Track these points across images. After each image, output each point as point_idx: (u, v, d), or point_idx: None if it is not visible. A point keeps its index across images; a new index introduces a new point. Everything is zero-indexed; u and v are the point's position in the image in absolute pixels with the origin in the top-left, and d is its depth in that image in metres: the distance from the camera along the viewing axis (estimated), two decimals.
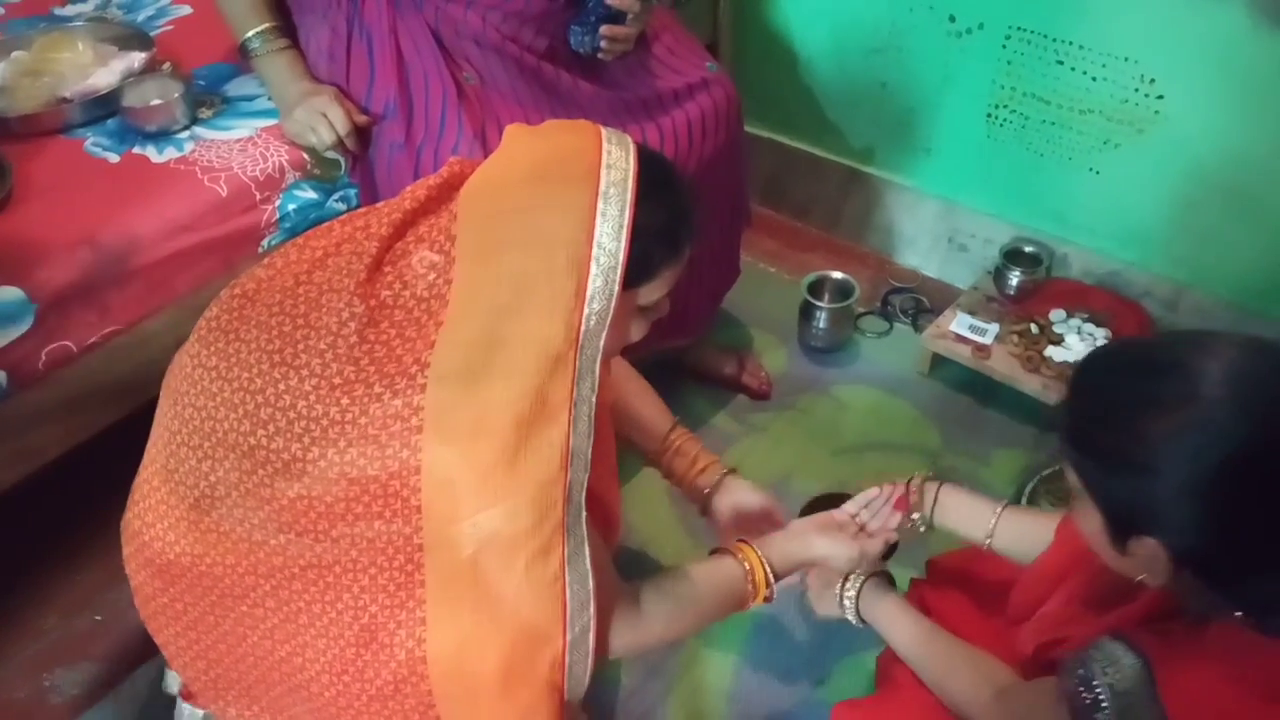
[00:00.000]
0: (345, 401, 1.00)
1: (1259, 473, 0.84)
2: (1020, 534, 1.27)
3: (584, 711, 1.21)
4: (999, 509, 1.29)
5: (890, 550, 1.35)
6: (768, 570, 1.21)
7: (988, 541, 1.28)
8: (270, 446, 1.02)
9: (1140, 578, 0.94)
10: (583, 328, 0.99)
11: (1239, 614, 0.89)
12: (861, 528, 1.30)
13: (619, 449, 1.35)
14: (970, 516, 1.30)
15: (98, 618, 1.60)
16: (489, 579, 1.00)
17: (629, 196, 1.00)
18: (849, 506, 1.34)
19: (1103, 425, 0.91)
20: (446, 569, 1.01)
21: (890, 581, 1.30)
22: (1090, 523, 0.95)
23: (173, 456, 1.11)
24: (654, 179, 1.04)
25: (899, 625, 1.23)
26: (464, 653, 1.04)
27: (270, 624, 1.10)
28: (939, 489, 1.33)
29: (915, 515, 1.32)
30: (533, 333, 0.98)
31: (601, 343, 1.01)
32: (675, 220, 1.07)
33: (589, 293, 0.99)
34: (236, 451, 1.04)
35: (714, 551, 1.26)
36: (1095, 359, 0.98)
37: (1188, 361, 0.87)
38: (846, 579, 1.29)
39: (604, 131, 1.05)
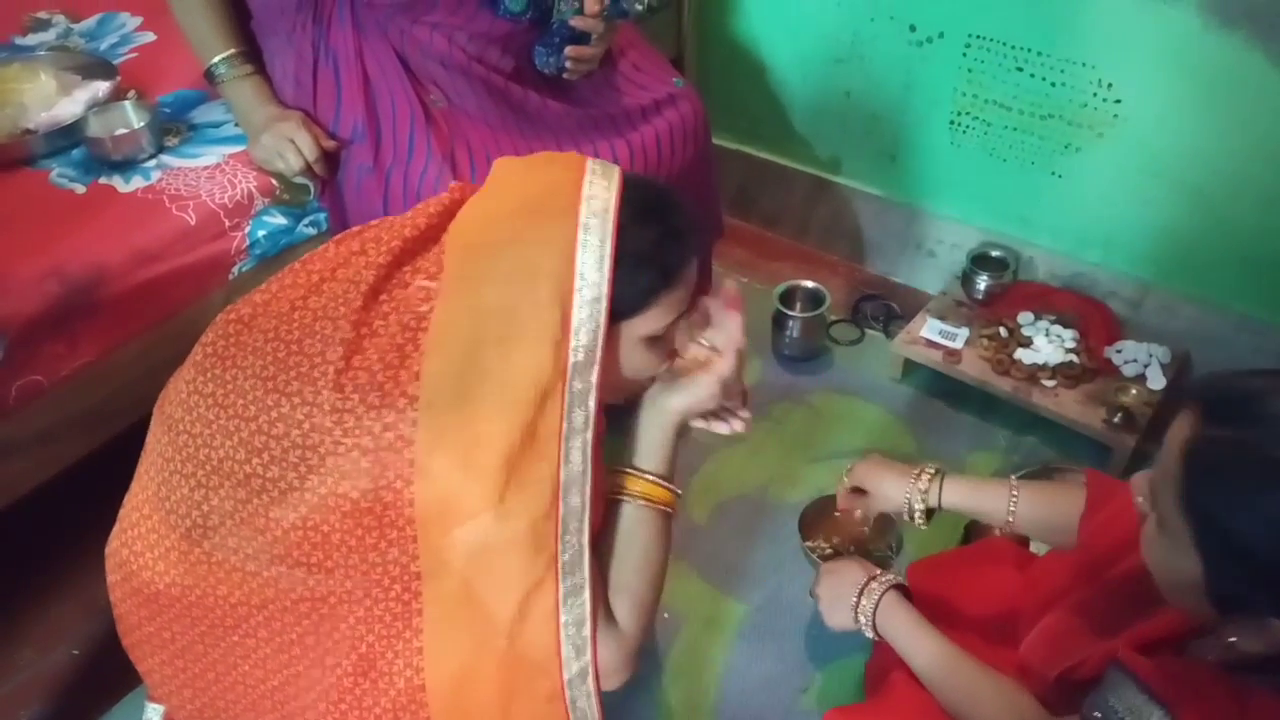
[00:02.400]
0: (338, 433, 0.99)
1: None
2: (1045, 513, 1.23)
3: None
4: (1014, 482, 1.26)
5: (890, 545, 1.34)
6: (657, 481, 1.12)
7: (1008, 519, 1.25)
8: (266, 475, 1.01)
9: (1230, 640, 0.85)
10: (570, 359, 0.98)
11: None
12: (712, 350, 1.14)
13: (623, 436, 1.22)
14: (985, 502, 1.28)
15: (75, 652, 1.58)
16: (486, 606, 1.00)
17: (610, 227, 0.99)
18: (694, 351, 1.15)
19: (1243, 482, 0.79)
20: (444, 597, 1.01)
21: (907, 594, 1.26)
22: (1177, 569, 0.84)
23: (165, 484, 1.09)
24: (640, 207, 1.03)
25: (919, 644, 1.19)
26: (462, 682, 1.03)
27: (263, 654, 1.09)
28: (943, 482, 1.31)
29: (919, 509, 1.30)
30: (520, 365, 0.98)
31: (594, 377, 1.00)
32: (664, 247, 1.05)
33: (574, 325, 0.98)
34: (232, 480, 1.03)
35: (612, 502, 1.14)
36: (1235, 402, 0.82)
37: None
38: (862, 591, 1.25)
39: (589, 164, 1.05)
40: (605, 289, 0.99)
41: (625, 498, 1.12)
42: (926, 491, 1.30)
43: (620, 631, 1.08)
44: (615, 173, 1.05)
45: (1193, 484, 0.81)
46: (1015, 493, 1.25)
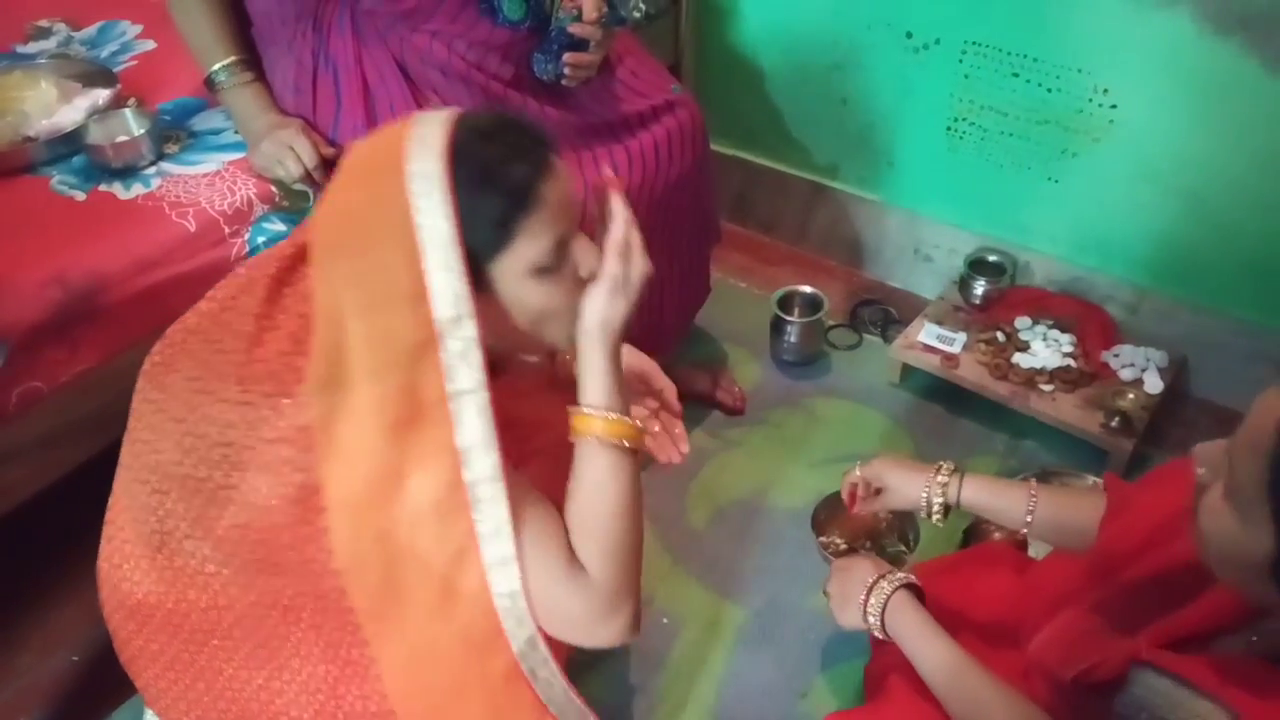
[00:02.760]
0: (239, 424, 0.98)
1: None
2: (1062, 518, 1.20)
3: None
4: (1033, 494, 1.22)
5: (905, 540, 1.32)
6: (596, 413, 1.02)
7: (1026, 521, 1.22)
8: (197, 475, 1.00)
9: (1252, 638, 0.83)
10: (435, 316, 0.92)
11: None
12: (629, 247, 1.03)
13: None
14: (1003, 504, 1.25)
15: (74, 658, 1.58)
16: (410, 591, 0.98)
17: (440, 166, 0.92)
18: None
19: None
20: (369, 587, 0.99)
21: (919, 595, 1.21)
22: (1245, 547, 0.79)
23: (127, 493, 1.10)
24: (472, 138, 0.95)
25: (928, 649, 1.14)
26: (416, 675, 1.02)
27: (241, 656, 1.09)
28: (962, 480, 1.29)
29: (937, 503, 1.28)
30: (379, 332, 0.93)
31: (470, 332, 0.93)
32: (505, 170, 0.94)
33: (429, 279, 0.91)
34: (174, 481, 1.03)
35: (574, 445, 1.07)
36: None
37: None
38: (872, 589, 1.21)
39: (419, 114, 0.98)
40: (451, 233, 0.91)
41: (573, 439, 1.03)
42: (946, 487, 1.29)
43: (590, 580, 1.00)
44: (445, 114, 0.97)
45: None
46: (1034, 494, 1.22)
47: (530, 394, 1.10)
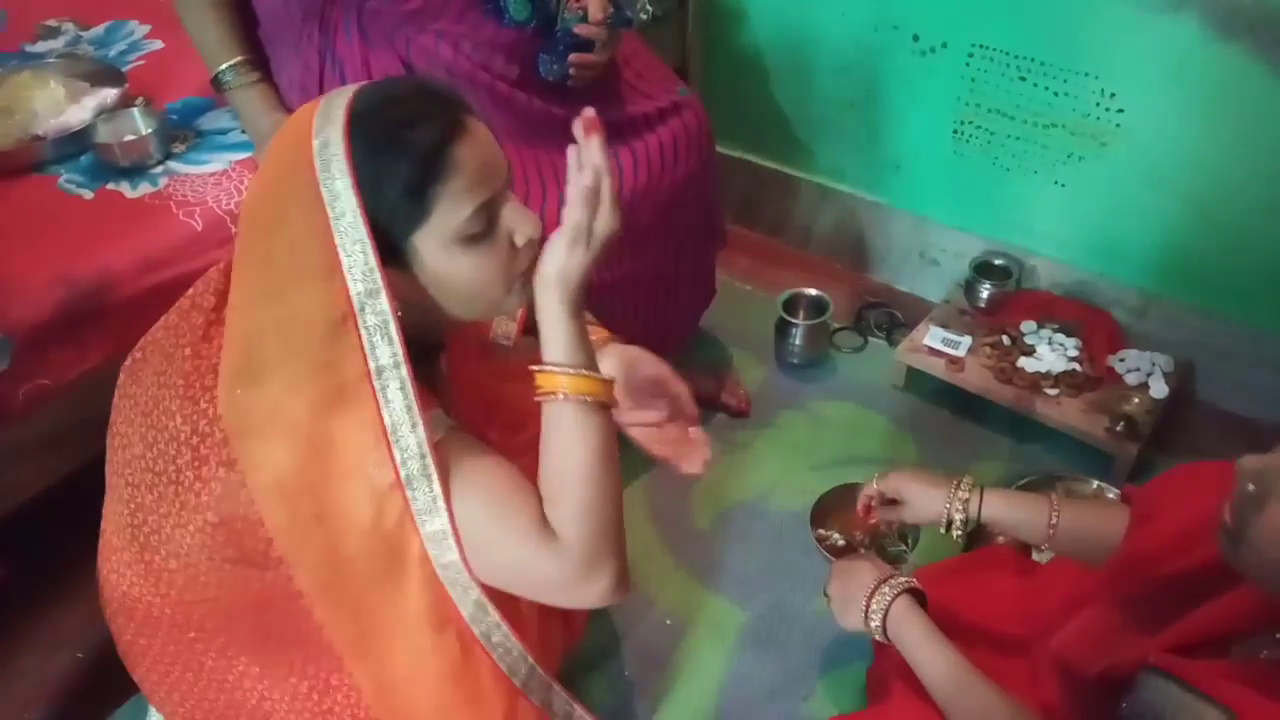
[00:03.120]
0: (179, 420, 0.98)
1: None
2: (1085, 533, 1.17)
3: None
4: (1056, 510, 1.19)
5: (904, 538, 1.31)
6: (556, 369, 0.97)
7: (1049, 534, 1.19)
8: (156, 469, 1.00)
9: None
10: (350, 291, 0.90)
11: None
12: (599, 196, 0.97)
13: (624, 442, 1.13)
14: (1024, 520, 1.22)
15: (78, 655, 1.58)
16: (357, 574, 0.96)
17: (339, 135, 0.90)
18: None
19: None
20: (311, 572, 0.97)
21: (921, 600, 1.20)
22: None
23: (109, 489, 1.11)
24: (376, 102, 0.93)
25: (930, 656, 1.13)
26: (378, 657, 1.02)
27: (218, 645, 1.09)
28: (982, 495, 1.25)
29: (959, 518, 1.25)
30: (294, 312, 0.91)
31: (385, 304, 0.90)
32: (411, 136, 0.91)
33: (341, 253, 0.89)
34: (144, 475, 1.03)
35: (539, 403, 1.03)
36: None
37: None
38: (874, 593, 1.19)
39: (328, 93, 0.96)
40: (354, 203, 0.89)
41: (538, 399, 0.99)
42: (967, 503, 1.25)
43: (561, 544, 0.96)
44: (352, 86, 0.96)
45: None
46: (1057, 508, 1.20)
47: (521, 377, 1.04)
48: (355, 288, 0.90)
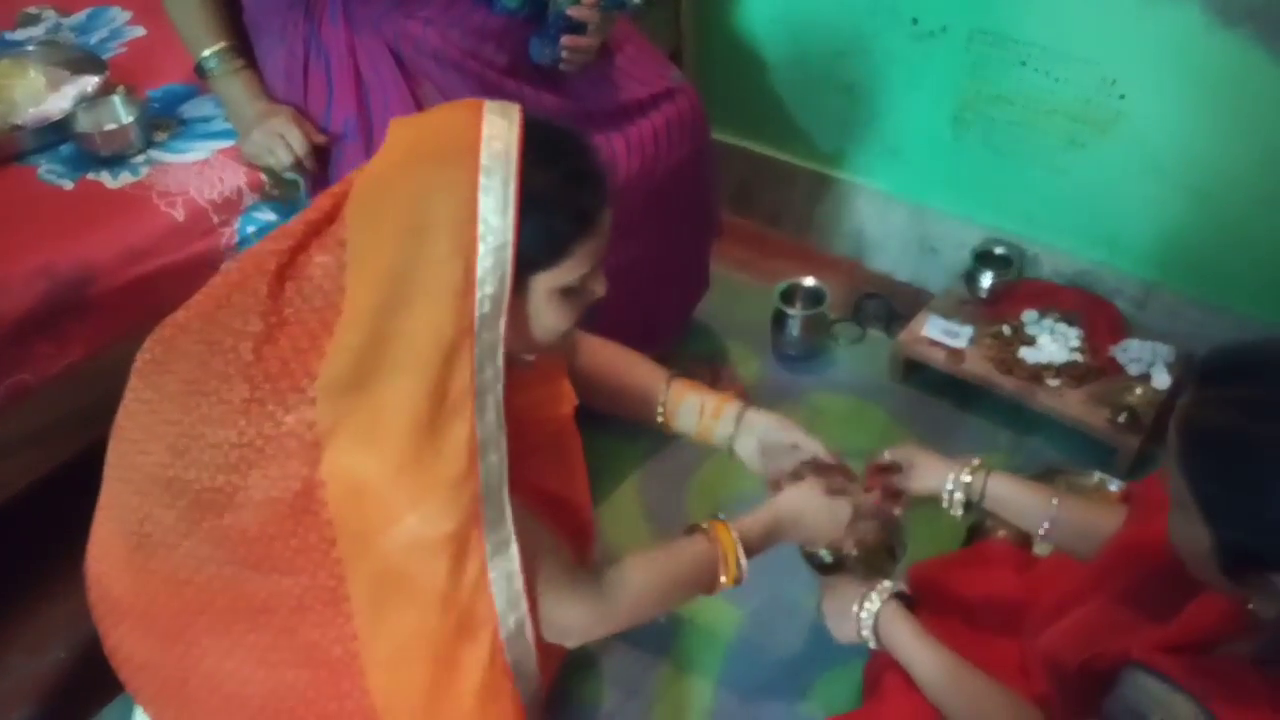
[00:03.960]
0: (243, 423, 0.98)
1: None
2: (1082, 527, 1.21)
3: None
4: (1055, 500, 1.23)
5: (891, 551, 1.35)
6: (739, 551, 1.18)
7: (1041, 533, 1.23)
8: (186, 478, 1.01)
9: (1250, 606, 0.87)
10: (476, 312, 0.94)
11: None
12: (845, 488, 1.26)
13: (619, 438, 1.35)
14: (1024, 506, 1.25)
15: (62, 655, 1.56)
16: (414, 583, 0.98)
17: (513, 168, 0.94)
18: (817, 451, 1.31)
19: (1231, 442, 0.81)
20: (366, 580, 0.99)
21: (909, 604, 1.25)
22: (1193, 541, 0.85)
23: (111, 492, 1.10)
24: (547, 146, 0.98)
25: (921, 656, 1.18)
26: (399, 661, 1.03)
27: (214, 656, 1.08)
28: (987, 477, 1.28)
29: (960, 494, 1.28)
30: (420, 325, 0.94)
31: (501, 329, 0.96)
32: (576, 188, 0.99)
33: (479, 275, 0.94)
34: (159, 485, 1.03)
35: (689, 529, 1.23)
36: (1224, 366, 0.86)
37: None
38: (863, 601, 1.24)
39: (487, 104, 0.99)
40: (510, 235, 0.94)
41: (703, 530, 1.20)
42: (971, 482, 1.27)
43: (604, 603, 1.11)
44: (515, 111, 0.99)
45: (1187, 446, 0.84)
46: (1056, 500, 1.23)
47: (527, 389, 1.10)
48: (482, 309, 0.95)
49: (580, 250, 1.00)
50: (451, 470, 0.95)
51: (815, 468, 1.30)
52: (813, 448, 1.31)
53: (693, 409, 1.35)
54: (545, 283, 1.00)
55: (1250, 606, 0.86)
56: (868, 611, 1.23)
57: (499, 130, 0.95)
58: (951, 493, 1.29)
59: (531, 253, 0.96)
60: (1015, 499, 1.26)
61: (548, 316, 1.03)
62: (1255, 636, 0.87)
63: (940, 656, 1.16)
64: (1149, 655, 0.90)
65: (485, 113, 0.97)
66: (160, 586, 1.06)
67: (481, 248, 0.93)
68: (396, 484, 0.95)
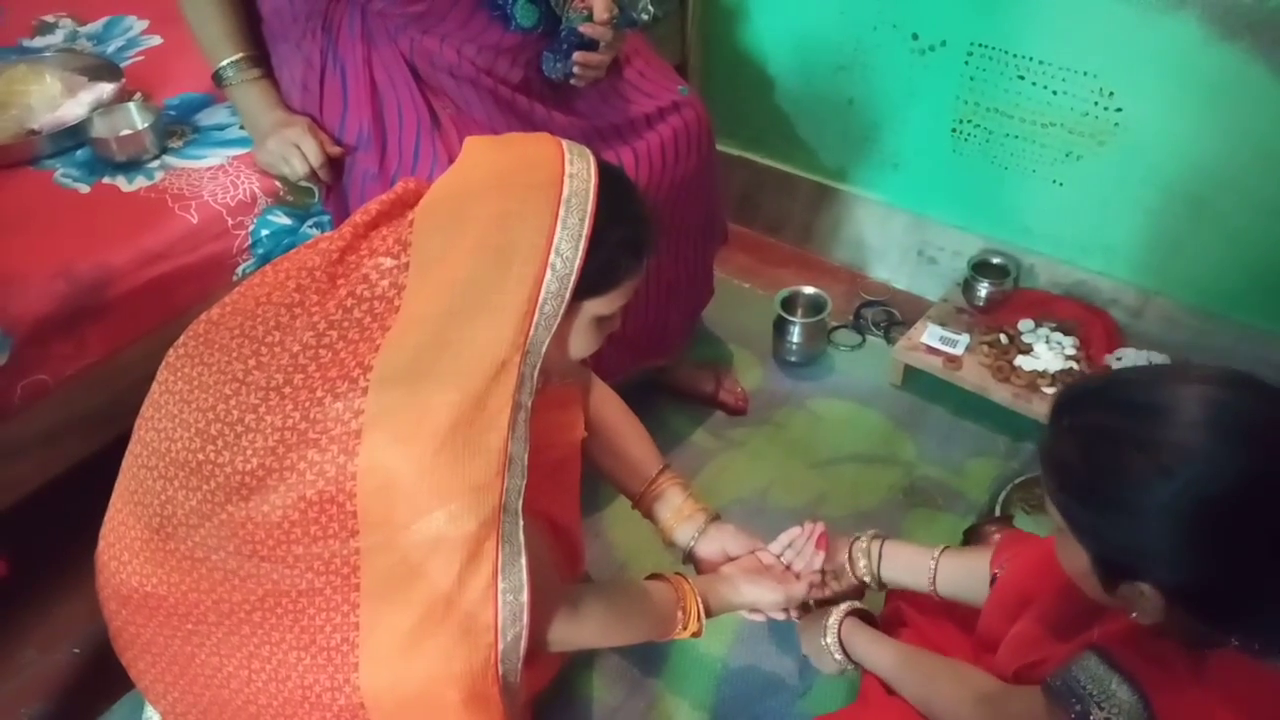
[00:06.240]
0: (289, 407, 1.01)
1: (1246, 507, 0.81)
2: (962, 576, 1.28)
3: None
4: (936, 554, 1.30)
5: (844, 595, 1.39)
6: (699, 607, 1.27)
7: (931, 588, 1.30)
8: (217, 461, 1.03)
9: (1132, 615, 0.91)
10: (532, 334, 1.01)
11: (1236, 644, 0.88)
12: (787, 568, 1.36)
13: (600, 481, 1.38)
14: (911, 566, 1.32)
15: (76, 650, 1.58)
16: (426, 580, 1.00)
17: (589, 206, 1.02)
18: (773, 548, 1.39)
19: (1086, 468, 0.88)
20: (380, 572, 1.01)
21: (870, 619, 1.34)
22: (1075, 560, 0.93)
23: (133, 479, 1.12)
24: (615, 191, 1.06)
25: (879, 653, 1.26)
26: (400, 657, 1.04)
27: (214, 640, 1.10)
28: (881, 545, 1.35)
29: (866, 576, 1.35)
30: (481, 337, 0.99)
31: (544, 349, 1.02)
32: (638, 232, 1.09)
33: (541, 298, 1.00)
34: (186, 469, 1.05)
35: (651, 576, 1.31)
36: (1073, 399, 0.93)
37: (1164, 399, 0.85)
38: (827, 619, 1.32)
39: (565, 143, 1.07)
40: (576, 265, 1.01)
41: (668, 582, 1.29)
42: (868, 546, 1.35)
43: (576, 622, 1.17)
44: (590, 154, 1.07)
45: (1049, 475, 0.91)
46: (936, 553, 1.30)
47: (541, 411, 1.12)
48: (537, 330, 1.01)
49: (625, 284, 1.09)
50: (480, 476, 0.99)
51: (765, 566, 1.38)
52: (768, 558, 1.39)
53: (673, 502, 1.41)
54: (592, 309, 1.08)
55: (1134, 615, 0.90)
56: (830, 635, 1.30)
57: (579, 170, 1.03)
58: (855, 560, 1.36)
59: (592, 280, 1.04)
60: (903, 558, 1.33)
61: (583, 339, 1.11)
62: (1167, 632, 0.92)
63: (894, 648, 1.25)
64: (1109, 637, 0.96)
65: (565, 149, 1.05)
66: (175, 566, 1.08)
67: (549, 274, 1.00)
68: (427, 481, 0.98)
